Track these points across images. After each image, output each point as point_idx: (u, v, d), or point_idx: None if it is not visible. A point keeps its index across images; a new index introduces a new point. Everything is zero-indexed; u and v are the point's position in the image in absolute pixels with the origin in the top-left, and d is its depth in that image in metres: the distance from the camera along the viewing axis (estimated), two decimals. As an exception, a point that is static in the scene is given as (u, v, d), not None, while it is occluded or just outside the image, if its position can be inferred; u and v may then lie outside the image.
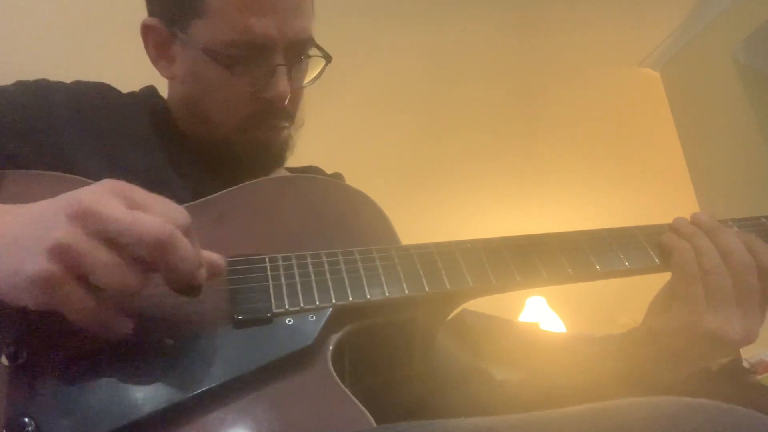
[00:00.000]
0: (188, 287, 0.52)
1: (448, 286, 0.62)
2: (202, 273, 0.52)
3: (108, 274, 0.48)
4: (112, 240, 0.48)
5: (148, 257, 0.49)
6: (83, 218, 0.48)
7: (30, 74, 0.83)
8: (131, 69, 0.90)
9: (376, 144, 3.12)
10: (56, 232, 0.48)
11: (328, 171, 0.97)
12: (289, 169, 0.93)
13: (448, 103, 3.03)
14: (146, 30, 0.85)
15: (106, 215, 0.48)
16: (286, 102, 0.81)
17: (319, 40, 0.85)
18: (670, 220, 0.76)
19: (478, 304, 0.91)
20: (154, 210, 0.51)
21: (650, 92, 2.89)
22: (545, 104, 3.05)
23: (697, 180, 2.64)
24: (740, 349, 2.23)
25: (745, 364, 1.87)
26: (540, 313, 3.45)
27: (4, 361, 0.50)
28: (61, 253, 0.47)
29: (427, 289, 0.62)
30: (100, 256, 0.48)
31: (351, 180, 0.89)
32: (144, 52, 0.86)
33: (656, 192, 3.30)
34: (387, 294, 0.61)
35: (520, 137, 3.22)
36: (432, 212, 3.25)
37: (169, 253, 0.49)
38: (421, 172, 3.31)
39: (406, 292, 0.61)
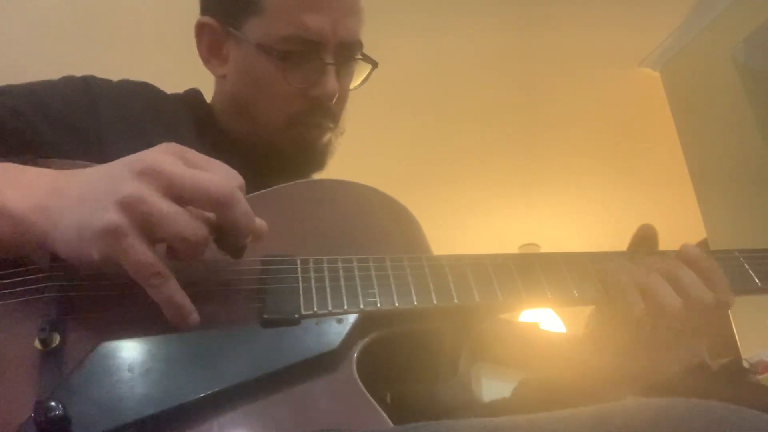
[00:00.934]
0: (234, 247, 0.55)
1: (478, 299, 0.62)
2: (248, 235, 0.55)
3: (175, 226, 0.50)
4: (177, 196, 0.51)
5: (211, 211, 0.52)
6: (149, 175, 0.51)
7: (50, 74, 0.84)
8: (161, 72, 0.91)
9: (376, 144, 3.12)
10: (124, 187, 0.50)
11: (329, 173, 0.97)
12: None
13: (448, 104, 3.03)
14: (201, 28, 0.87)
15: (171, 172, 0.51)
16: (333, 101, 0.83)
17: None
18: (669, 221, 0.76)
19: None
20: (212, 170, 0.53)
21: (650, 92, 2.89)
22: (545, 104, 3.05)
23: (697, 180, 2.63)
24: (740, 349, 2.23)
25: (745, 364, 1.88)
26: (540, 313, 3.45)
27: (38, 345, 0.51)
28: (129, 205, 0.50)
29: (456, 301, 0.61)
30: (167, 210, 0.50)
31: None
32: (164, 57, 0.87)
33: (656, 192, 3.31)
34: (415, 303, 0.60)
35: (520, 137, 3.22)
36: (432, 212, 3.25)
37: (230, 209, 0.52)
38: (421, 173, 3.31)
39: (435, 302, 0.61)
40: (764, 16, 2.40)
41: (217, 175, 0.52)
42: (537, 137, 3.21)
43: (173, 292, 0.52)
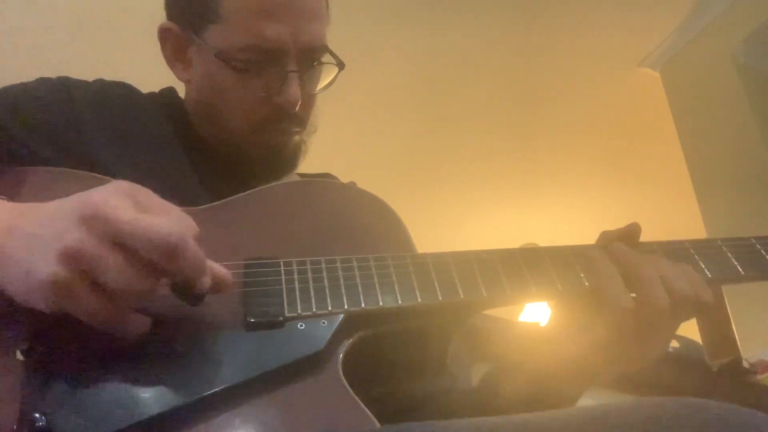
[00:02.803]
0: (190, 295, 0.52)
1: (462, 296, 0.62)
2: (207, 281, 0.53)
3: (117, 278, 0.48)
4: (122, 243, 0.49)
5: (156, 260, 0.49)
6: (94, 221, 0.49)
7: (40, 73, 0.83)
8: (148, 70, 0.91)
9: (374, 146, 3.12)
10: (67, 236, 0.49)
11: (327, 172, 0.97)
12: (303, 176, 0.93)
13: (448, 105, 3.03)
14: (164, 33, 0.86)
15: (116, 218, 0.49)
16: (298, 108, 0.81)
17: (318, 41, 0.85)
18: (669, 221, 0.76)
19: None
20: (163, 215, 0.51)
21: (650, 92, 2.89)
22: (545, 104, 3.05)
23: (697, 180, 2.63)
24: (740, 349, 2.24)
25: (745, 364, 1.87)
26: (540, 313, 3.45)
27: (19, 356, 0.51)
28: (71, 257, 0.48)
29: (440, 298, 0.61)
30: (109, 261, 0.48)
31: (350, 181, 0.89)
32: (158, 53, 0.87)
33: (656, 192, 3.30)
34: (400, 302, 0.60)
35: (519, 138, 3.22)
36: (432, 213, 3.25)
37: (178, 257, 0.49)
38: (421, 174, 3.31)
39: (419, 300, 0.61)
40: (764, 16, 2.39)
41: (164, 222, 0.50)
42: (537, 137, 3.21)
43: (129, 330, 0.52)
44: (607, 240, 0.70)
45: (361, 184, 0.80)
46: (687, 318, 0.64)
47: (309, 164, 0.98)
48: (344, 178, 0.98)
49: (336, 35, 0.87)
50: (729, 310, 2.39)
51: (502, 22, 2.68)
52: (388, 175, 3.02)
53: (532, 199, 3.54)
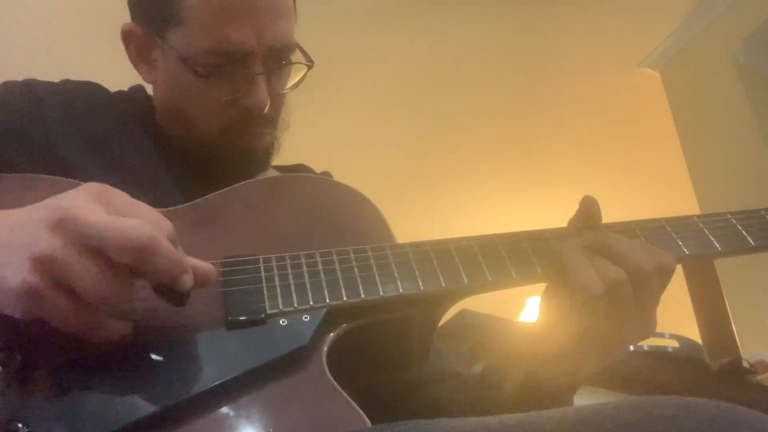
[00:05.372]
0: (174, 294, 0.51)
1: (444, 284, 0.62)
2: (187, 279, 0.51)
3: (88, 283, 0.48)
4: (92, 247, 0.48)
5: (130, 262, 0.48)
6: (64, 226, 0.48)
7: (19, 74, 0.83)
8: (122, 69, 0.90)
9: (374, 144, 3.12)
10: (38, 243, 0.48)
11: (326, 168, 0.97)
12: (278, 168, 0.92)
13: (448, 104, 3.03)
14: (127, 35, 0.84)
15: (85, 221, 0.48)
16: (266, 109, 0.80)
17: (318, 41, 0.84)
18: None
19: (478, 305, 0.90)
20: (135, 215, 0.50)
21: (650, 92, 2.89)
22: (545, 104, 3.05)
23: (697, 180, 2.64)
24: (740, 349, 2.23)
25: (745, 364, 1.87)
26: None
27: None
28: (43, 264, 0.47)
29: (422, 288, 0.61)
30: (81, 267, 0.47)
31: (350, 180, 0.89)
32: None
33: (656, 192, 3.30)
34: (381, 293, 0.60)
35: (519, 137, 3.22)
36: (432, 212, 3.25)
37: (150, 257, 0.48)
38: (421, 172, 3.31)
39: (401, 290, 0.60)
40: (764, 16, 2.40)
41: (134, 222, 0.49)
42: (537, 137, 3.21)
43: (104, 335, 0.51)
44: (574, 226, 0.69)
45: (361, 182, 0.79)
46: (656, 291, 0.61)
47: (310, 162, 0.98)
48: (346, 177, 0.97)
49: (338, 34, 0.87)
50: (729, 310, 2.38)
51: (502, 21, 2.68)
52: (389, 172, 3.02)
53: (531, 198, 3.54)
